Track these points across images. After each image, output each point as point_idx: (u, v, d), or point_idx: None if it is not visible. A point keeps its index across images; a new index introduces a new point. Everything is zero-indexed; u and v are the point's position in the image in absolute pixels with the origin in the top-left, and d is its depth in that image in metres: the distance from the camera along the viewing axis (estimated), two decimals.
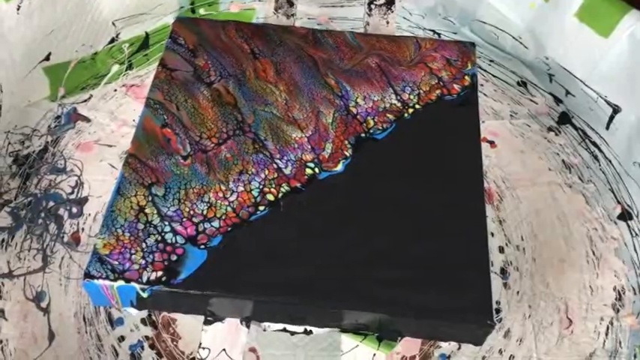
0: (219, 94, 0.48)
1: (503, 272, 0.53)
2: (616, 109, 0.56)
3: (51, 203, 0.55)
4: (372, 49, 0.52)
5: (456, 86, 0.49)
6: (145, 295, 0.39)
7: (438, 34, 0.66)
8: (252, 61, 0.51)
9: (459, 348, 0.49)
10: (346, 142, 0.46)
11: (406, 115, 0.47)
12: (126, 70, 0.65)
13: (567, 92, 0.61)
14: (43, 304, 0.50)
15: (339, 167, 0.45)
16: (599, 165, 0.59)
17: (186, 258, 0.40)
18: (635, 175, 0.55)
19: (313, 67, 0.50)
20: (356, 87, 0.49)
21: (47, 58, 0.59)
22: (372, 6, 0.59)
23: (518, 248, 0.55)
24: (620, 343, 0.50)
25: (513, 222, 0.57)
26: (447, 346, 0.49)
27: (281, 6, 0.58)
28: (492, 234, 0.56)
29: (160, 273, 0.39)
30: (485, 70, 0.66)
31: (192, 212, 0.42)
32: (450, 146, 0.46)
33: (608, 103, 0.56)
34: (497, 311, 0.51)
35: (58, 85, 0.61)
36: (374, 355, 0.41)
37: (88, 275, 0.39)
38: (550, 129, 0.63)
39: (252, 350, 0.48)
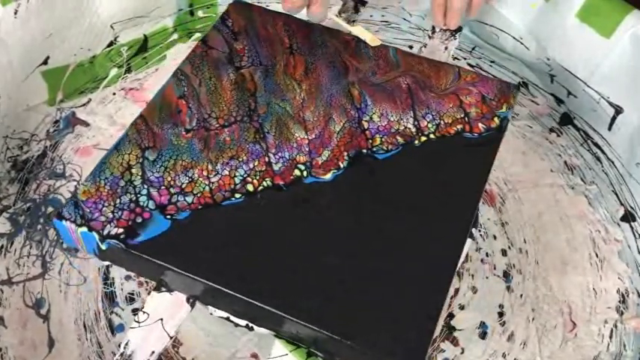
0: (243, 80, 0.49)
1: (506, 275, 0.53)
2: (618, 110, 0.55)
3: (50, 209, 0.55)
4: (408, 69, 0.51)
5: (480, 125, 0.47)
6: (103, 247, 0.41)
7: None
8: (287, 55, 0.51)
9: (462, 352, 0.49)
10: (345, 153, 0.45)
11: (417, 142, 0.46)
12: (125, 74, 0.64)
13: (569, 93, 0.60)
14: (43, 311, 0.49)
15: (328, 176, 0.44)
16: (602, 166, 0.58)
17: (150, 223, 0.41)
18: (638, 177, 0.55)
19: (343, 73, 0.50)
20: (377, 102, 0.48)
21: (45, 62, 0.59)
22: (437, 29, 0.58)
23: (521, 251, 0.55)
24: (624, 345, 0.50)
25: (516, 224, 0.56)
26: (451, 350, 0.49)
27: (346, 10, 0.58)
28: (495, 237, 0.55)
29: (120, 230, 0.40)
30: (486, 71, 0.66)
31: (172, 182, 0.43)
32: (447, 185, 0.44)
33: (611, 104, 0.56)
34: (501, 315, 0.51)
35: (56, 89, 0.61)
36: None
37: (59, 215, 0.41)
38: (552, 130, 0.62)
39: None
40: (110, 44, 0.63)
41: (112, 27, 0.63)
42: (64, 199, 0.55)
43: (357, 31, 0.50)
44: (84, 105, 0.62)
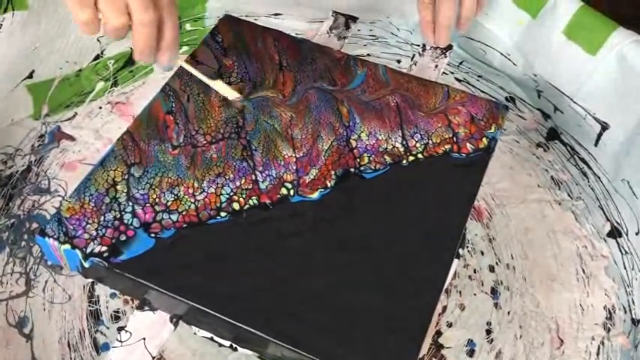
0: None
1: (494, 292, 0.53)
2: (604, 126, 0.56)
3: (35, 225, 0.54)
4: (397, 87, 0.50)
5: (468, 146, 0.47)
6: (86, 264, 0.41)
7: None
8: (276, 71, 0.51)
9: None
10: (333, 172, 0.45)
11: (404, 161, 0.46)
12: (111, 87, 0.64)
13: (556, 108, 0.61)
14: (26, 330, 0.49)
15: (315, 195, 0.44)
16: (588, 181, 0.59)
17: (134, 241, 0.41)
18: (623, 193, 0.55)
19: (332, 91, 0.50)
20: (366, 121, 0.48)
21: (30, 76, 0.58)
22: (427, 47, 0.58)
23: (509, 267, 0.55)
24: None
25: (503, 240, 0.56)
26: None
27: (337, 26, 0.58)
28: (482, 252, 0.55)
29: (104, 248, 0.40)
30: (473, 86, 0.66)
31: (157, 200, 0.43)
32: (435, 205, 0.44)
33: (597, 120, 0.56)
34: (489, 332, 0.51)
35: (41, 103, 0.60)
36: None
37: (42, 232, 0.41)
38: (539, 145, 0.63)
39: None
40: (96, 57, 0.63)
41: (98, 40, 0.62)
42: (49, 214, 0.55)
43: (218, 85, 0.49)
44: (69, 119, 0.61)
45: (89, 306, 0.50)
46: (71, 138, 0.60)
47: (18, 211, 0.55)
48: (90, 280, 0.51)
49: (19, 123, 0.59)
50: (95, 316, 0.50)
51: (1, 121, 0.57)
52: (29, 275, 0.51)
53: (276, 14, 0.68)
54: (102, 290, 0.51)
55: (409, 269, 0.40)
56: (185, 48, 0.68)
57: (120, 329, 0.49)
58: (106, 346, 0.49)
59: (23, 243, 0.53)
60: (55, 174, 0.57)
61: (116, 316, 0.50)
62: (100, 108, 0.63)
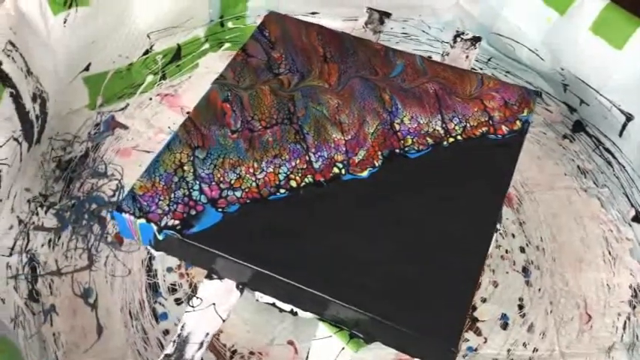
0: (282, 85, 0.53)
1: (525, 271, 0.56)
2: (629, 117, 0.59)
3: (94, 205, 0.58)
4: (434, 76, 0.54)
5: (504, 128, 0.51)
6: (160, 237, 0.44)
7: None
8: (321, 63, 0.55)
9: (485, 342, 0.52)
10: (379, 153, 0.49)
11: (445, 142, 0.50)
12: (160, 80, 0.68)
13: (581, 101, 0.64)
14: (91, 300, 0.52)
15: (365, 174, 0.47)
16: (613, 170, 0.62)
17: (204, 215, 0.44)
18: None
19: (374, 80, 0.54)
20: (407, 107, 0.52)
21: (87, 69, 0.62)
22: (458, 39, 0.62)
23: (538, 248, 0.58)
24: (637, 337, 0.53)
25: (533, 224, 0.59)
26: (474, 339, 0.52)
27: (372, 22, 0.62)
28: (513, 235, 0.59)
29: (177, 222, 0.44)
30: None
31: (222, 178, 0.46)
32: (476, 181, 0.47)
33: (622, 111, 0.59)
34: (521, 307, 0.54)
35: (96, 94, 0.64)
36: (342, 348, 0.44)
37: (119, 208, 0.44)
38: (565, 136, 0.66)
39: None
40: (146, 52, 0.67)
41: (148, 36, 0.66)
42: (107, 196, 0.59)
43: None
44: (122, 109, 0.65)
45: (147, 279, 0.54)
46: (124, 127, 0.64)
47: (78, 193, 0.58)
48: (148, 255, 0.55)
49: (76, 112, 0.63)
50: (154, 288, 0.54)
51: (61, 110, 0.61)
52: (91, 251, 0.55)
53: (313, 13, 0.72)
54: (159, 265, 0.55)
55: (455, 239, 0.44)
56: (227, 45, 0.72)
57: (177, 300, 0.53)
58: (165, 316, 0.52)
59: (84, 222, 0.57)
60: (111, 159, 0.61)
61: (173, 289, 0.54)
62: (150, 99, 0.67)
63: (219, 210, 0.45)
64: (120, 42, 0.64)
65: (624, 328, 0.53)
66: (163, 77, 0.68)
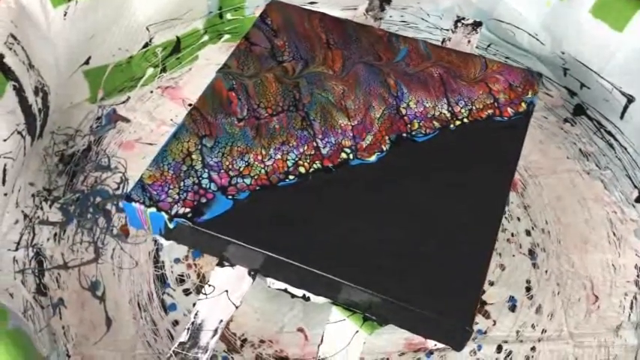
0: (286, 72, 0.53)
1: (532, 253, 0.57)
2: (630, 99, 0.59)
3: (98, 199, 0.58)
4: (439, 60, 0.54)
5: (509, 110, 0.51)
6: (171, 225, 0.44)
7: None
8: (325, 49, 0.55)
9: (494, 324, 0.52)
10: (387, 137, 0.49)
11: (452, 125, 0.50)
12: (160, 73, 0.68)
13: (582, 85, 0.64)
14: (99, 293, 0.52)
15: (373, 158, 0.48)
16: (615, 152, 0.62)
17: (214, 203, 0.44)
18: None
19: (378, 65, 0.54)
20: (412, 91, 0.52)
21: (87, 62, 0.62)
22: (459, 24, 0.62)
23: (544, 231, 0.58)
24: None
25: (537, 207, 0.60)
26: (483, 322, 0.52)
27: (373, 8, 0.62)
28: (519, 219, 0.59)
29: (187, 210, 0.44)
30: None
31: (230, 166, 0.46)
32: (483, 164, 0.47)
33: (623, 93, 0.60)
34: (528, 289, 0.54)
35: (97, 88, 0.64)
36: (356, 331, 0.44)
37: (128, 198, 0.44)
38: (566, 120, 0.66)
39: None
40: (145, 45, 0.67)
41: (147, 29, 0.66)
42: (111, 189, 0.58)
43: None
44: (123, 102, 0.65)
45: (155, 271, 0.54)
46: (126, 120, 0.64)
47: (82, 187, 0.58)
48: (155, 247, 0.55)
49: (77, 106, 0.63)
50: (161, 279, 0.53)
51: (62, 104, 0.61)
52: (97, 244, 0.55)
53: (311, 2, 0.72)
54: (166, 256, 0.55)
55: (465, 221, 0.44)
56: (227, 36, 0.72)
57: (186, 291, 0.53)
58: (174, 307, 0.52)
59: (89, 215, 0.56)
60: (114, 152, 0.61)
61: (181, 279, 0.54)
62: (151, 92, 0.66)
63: (230, 197, 0.44)
64: (119, 35, 0.64)
65: (631, 308, 0.54)
66: (164, 70, 0.68)
